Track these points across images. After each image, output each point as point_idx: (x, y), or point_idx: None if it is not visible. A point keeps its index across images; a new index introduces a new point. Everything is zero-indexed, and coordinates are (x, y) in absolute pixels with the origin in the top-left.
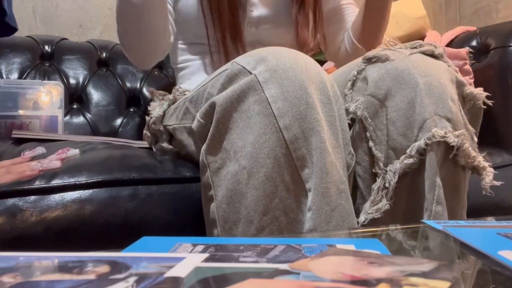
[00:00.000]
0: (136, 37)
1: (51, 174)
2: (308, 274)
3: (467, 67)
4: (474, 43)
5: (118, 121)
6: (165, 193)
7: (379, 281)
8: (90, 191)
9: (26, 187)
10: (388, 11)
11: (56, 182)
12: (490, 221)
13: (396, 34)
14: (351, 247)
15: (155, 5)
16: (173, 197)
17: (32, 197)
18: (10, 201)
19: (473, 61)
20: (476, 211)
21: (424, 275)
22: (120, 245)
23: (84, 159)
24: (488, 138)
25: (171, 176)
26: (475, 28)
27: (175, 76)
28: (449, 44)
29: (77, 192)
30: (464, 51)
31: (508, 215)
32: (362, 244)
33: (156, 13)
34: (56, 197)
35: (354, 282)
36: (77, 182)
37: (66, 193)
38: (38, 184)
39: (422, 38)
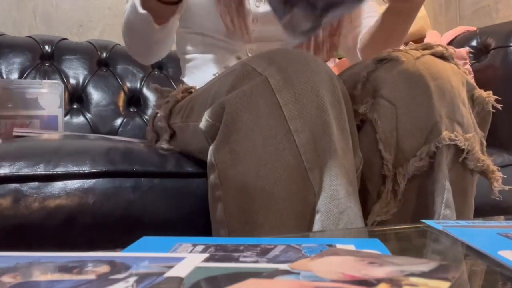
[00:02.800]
0: (145, 48)
1: (55, 161)
2: (308, 274)
3: (467, 67)
4: (474, 43)
5: (118, 121)
6: (168, 187)
7: (379, 281)
8: (93, 180)
9: (30, 173)
10: (398, 35)
11: (59, 169)
12: (490, 221)
13: None
14: (351, 247)
15: (173, 27)
16: (175, 191)
17: (36, 183)
18: (13, 186)
19: (473, 61)
20: (476, 211)
21: (424, 275)
22: (120, 236)
23: (87, 148)
24: (488, 138)
25: (174, 171)
26: (475, 28)
27: (180, 65)
28: (449, 44)
29: (80, 181)
30: (464, 51)
31: (508, 215)
32: (362, 244)
33: (171, 31)
34: (60, 184)
35: (354, 282)
36: (80, 171)
37: (69, 181)
38: (41, 170)
39: (422, 38)
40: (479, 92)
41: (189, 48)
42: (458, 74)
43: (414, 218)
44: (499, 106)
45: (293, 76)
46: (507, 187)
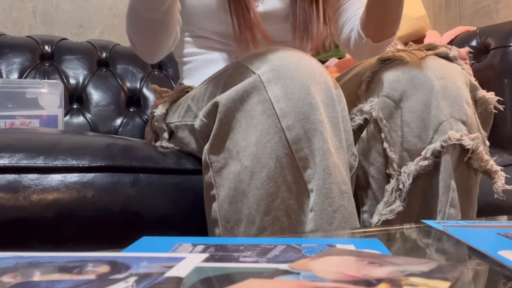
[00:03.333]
0: (147, 37)
1: (54, 154)
2: (308, 274)
3: (467, 67)
4: (474, 43)
5: (118, 121)
6: (166, 183)
7: (379, 281)
8: (92, 174)
9: (30, 164)
10: (395, 2)
11: (58, 162)
12: (490, 221)
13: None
14: (351, 247)
15: (173, 11)
16: (173, 188)
17: (35, 175)
18: (12, 176)
19: (473, 61)
20: (478, 211)
21: (424, 275)
22: (118, 231)
23: (87, 143)
24: (488, 138)
25: (173, 167)
26: (475, 28)
27: (178, 70)
28: (449, 44)
29: (79, 174)
30: (464, 51)
31: (508, 215)
32: (362, 244)
33: (172, 15)
34: (59, 177)
35: (354, 282)
36: (80, 165)
37: (68, 174)
38: (41, 163)
39: (422, 38)
40: (482, 92)
41: (187, 51)
42: (462, 74)
43: (419, 217)
44: (501, 107)
45: (285, 74)
46: (510, 187)
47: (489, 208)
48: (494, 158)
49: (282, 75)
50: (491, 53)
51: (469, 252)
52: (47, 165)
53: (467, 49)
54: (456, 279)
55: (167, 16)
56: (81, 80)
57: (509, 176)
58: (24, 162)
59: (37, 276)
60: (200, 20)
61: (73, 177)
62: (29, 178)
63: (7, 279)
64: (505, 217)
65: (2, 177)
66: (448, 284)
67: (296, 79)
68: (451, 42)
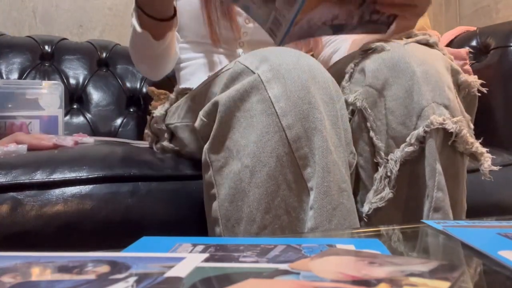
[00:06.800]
0: (152, 64)
1: (52, 168)
2: (308, 274)
3: (467, 67)
4: (474, 43)
5: (118, 121)
6: (165, 190)
7: (379, 281)
8: (91, 186)
9: (27, 181)
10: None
11: (56, 176)
12: (490, 221)
13: None
14: (351, 247)
15: (171, 44)
16: (173, 194)
17: (33, 191)
18: (10, 194)
19: (473, 61)
20: (476, 211)
21: (424, 275)
22: (119, 241)
23: (84, 154)
24: (488, 138)
25: (172, 173)
26: (475, 28)
27: (176, 76)
28: (449, 44)
29: (77, 187)
30: (464, 51)
31: (508, 215)
32: (362, 244)
33: (171, 47)
34: (57, 191)
35: (354, 282)
36: (77, 177)
37: (67, 187)
38: (38, 178)
39: None
40: (464, 76)
41: (182, 57)
42: (442, 59)
43: (408, 203)
44: (484, 90)
45: (285, 74)
46: (496, 168)
47: (488, 208)
48: (480, 141)
49: (282, 74)
50: (491, 53)
51: (469, 252)
52: (45, 180)
53: (467, 49)
54: (456, 279)
55: (167, 47)
56: (81, 80)
57: (494, 157)
58: (21, 179)
59: (37, 276)
60: (196, 25)
61: (71, 190)
62: (27, 194)
63: (7, 279)
64: (503, 217)
65: (0, 196)
66: (448, 284)
67: (295, 78)
68: (451, 42)
